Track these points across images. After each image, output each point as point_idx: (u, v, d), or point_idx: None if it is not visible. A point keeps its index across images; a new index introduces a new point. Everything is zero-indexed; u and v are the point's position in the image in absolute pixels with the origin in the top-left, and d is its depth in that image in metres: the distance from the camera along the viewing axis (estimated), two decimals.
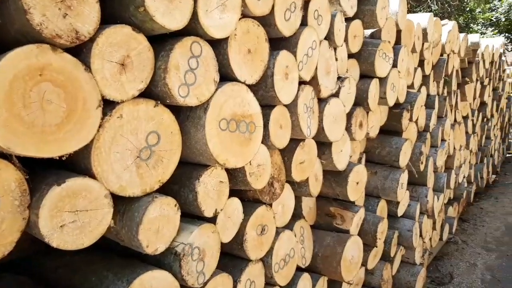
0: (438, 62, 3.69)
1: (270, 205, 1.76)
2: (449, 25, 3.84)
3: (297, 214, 2.16)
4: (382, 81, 2.50)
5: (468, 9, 10.57)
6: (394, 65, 2.60)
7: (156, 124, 1.20)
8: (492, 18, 12.85)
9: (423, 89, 3.46)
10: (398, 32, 2.72)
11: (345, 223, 2.28)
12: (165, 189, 1.30)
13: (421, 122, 3.31)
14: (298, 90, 1.74)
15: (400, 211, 2.96)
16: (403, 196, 2.82)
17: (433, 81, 3.68)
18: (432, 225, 3.58)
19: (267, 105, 1.62)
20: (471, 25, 12.35)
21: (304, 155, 1.92)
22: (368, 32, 2.58)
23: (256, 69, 1.46)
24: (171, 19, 1.15)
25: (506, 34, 13.05)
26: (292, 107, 1.73)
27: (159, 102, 1.20)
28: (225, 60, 1.36)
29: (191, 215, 1.41)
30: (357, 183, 2.34)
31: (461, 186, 4.66)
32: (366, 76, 2.44)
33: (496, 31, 12.75)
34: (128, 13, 1.15)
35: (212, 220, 1.43)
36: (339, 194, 2.31)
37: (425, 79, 3.50)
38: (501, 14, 12.81)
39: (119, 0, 1.15)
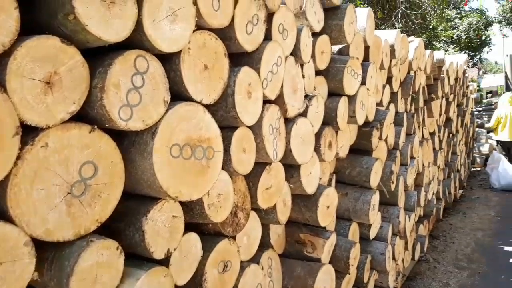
0: (405, 79, 3.67)
1: (234, 237, 1.58)
2: (416, 42, 3.84)
3: (264, 243, 2.00)
4: (351, 99, 2.40)
5: (431, 27, 10.95)
6: (363, 82, 2.51)
7: (92, 152, 1.01)
8: (454, 36, 13.37)
9: (392, 106, 3.41)
10: (366, 48, 2.65)
11: (316, 250, 2.13)
12: (107, 229, 1.11)
13: (391, 140, 3.25)
14: (263, 110, 1.59)
15: (373, 234, 2.84)
16: (375, 218, 2.70)
17: (401, 98, 3.64)
18: (404, 245, 3.49)
19: (228, 127, 1.46)
20: (434, 42, 12.78)
21: (271, 180, 1.76)
22: (336, 48, 2.48)
23: (215, 87, 1.30)
24: (109, 29, 0.97)
25: (467, 51, 13.58)
26: (256, 129, 1.58)
27: (95, 126, 1.01)
28: (178, 77, 1.19)
29: (141, 257, 1.22)
30: (328, 207, 2.20)
31: (430, 203, 4.63)
32: (334, 94, 2.33)
33: (457, 48, 13.25)
34: (56, 22, 0.97)
35: (165, 261, 1.24)
36: (309, 219, 2.16)
37: (393, 96, 3.45)
38: (461, 32, 13.35)
39: (47, 6, 0.97)
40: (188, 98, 1.22)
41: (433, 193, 4.89)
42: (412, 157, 3.83)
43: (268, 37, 1.63)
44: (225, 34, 1.39)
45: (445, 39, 14.24)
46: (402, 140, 3.48)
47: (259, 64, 1.52)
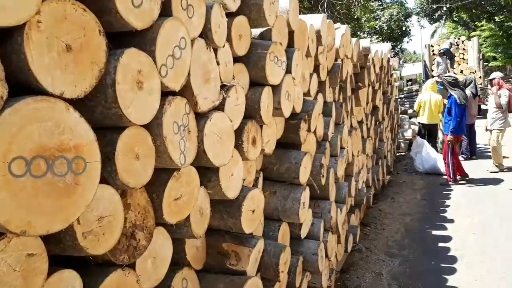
0: (333, 68, 3.53)
1: (132, 264, 1.26)
2: (342, 29, 3.72)
3: (179, 260, 1.70)
4: (276, 89, 2.16)
5: (355, 17, 11.23)
6: (288, 70, 2.28)
7: None
8: (376, 27, 13.87)
9: (320, 96, 3.25)
10: (291, 33, 2.42)
11: (240, 262, 1.88)
12: None
13: (320, 132, 3.09)
14: (163, 104, 1.28)
15: (304, 233, 2.66)
16: (305, 216, 2.52)
17: (329, 87, 3.50)
18: (337, 239, 3.38)
19: (114, 128, 1.14)
20: (358, 33, 13.16)
21: (180, 189, 1.46)
22: (257, 32, 2.22)
23: (85, 75, 0.97)
24: None
25: (389, 42, 14.18)
26: (155, 128, 1.27)
27: None
28: (22, 61, 0.84)
29: None
30: (253, 211, 1.95)
31: (361, 192, 4.62)
32: (257, 83, 2.08)
33: (380, 38, 13.79)
34: None
35: None
36: (232, 226, 1.90)
37: (321, 86, 3.30)
38: (383, 23, 13.90)
39: None
40: (42, 91, 0.88)
41: (363, 182, 4.90)
42: (342, 148, 3.74)
43: (167, 13, 1.32)
44: (102, 5, 1.05)
45: (368, 29, 14.75)
46: (331, 131, 3.35)
47: (154, 45, 1.21)
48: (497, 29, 21.20)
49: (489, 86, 8.62)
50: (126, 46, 1.14)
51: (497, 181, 6.65)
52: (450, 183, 6.74)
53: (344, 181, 3.80)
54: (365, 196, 4.78)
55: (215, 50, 1.67)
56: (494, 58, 23.90)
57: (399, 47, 22.45)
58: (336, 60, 3.64)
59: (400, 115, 10.55)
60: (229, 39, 1.83)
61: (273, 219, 2.46)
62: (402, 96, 15.28)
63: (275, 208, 2.43)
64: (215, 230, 1.96)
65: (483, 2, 19.79)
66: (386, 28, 15.30)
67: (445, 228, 4.89)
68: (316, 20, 2.84)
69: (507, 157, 8.01)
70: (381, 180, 6.35)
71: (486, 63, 21.86)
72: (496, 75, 7.57)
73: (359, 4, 10.92)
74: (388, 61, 6.84)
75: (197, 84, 1.47)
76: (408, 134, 10.17)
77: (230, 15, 1.83)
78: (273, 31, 2.16)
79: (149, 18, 1.19)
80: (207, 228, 1.75)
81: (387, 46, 6.62)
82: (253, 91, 2.03)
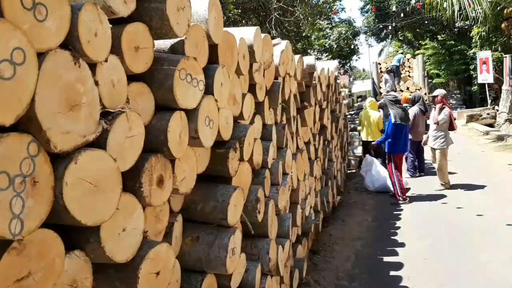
0: (272, 87, 3.20)
1: None
2: (282, 45, 3.41)
3: None
4: (191, 114, 1.75)
5: (304, 34, 11.19)
6: (209, 91, 1.89)
7: None
8: (326, 45, 13.99)
9: (257, 118, 2.89)
10: (213, 47, 2.04)
11: None
12: None
13: (257, 159, 2.71)
14: None
15: (235, 282, 2.23)
16: (236, 265, 2.10)
17: (269, 108, 3.15)
18: (280, 280, 2.99)
19: None
20: (309, 50, 13.17)
21: (27, 265, 1.01)
22: (167, 44, 1.82)
23: None
24: None
25: (338, 59, 14.34)
26: None
27: None
28: None
29: None
30: (158, 273, 1.51)
31: (308, 219, 4.29)
32: (166, 108, 1.66)
33: (330, 56, 13.90)
34: None
35: None
36: None
37: (258, 107, 2.94)
38: (332, 41, 14.05)
39: None
40: None
41: (310, 207, 4.58)
42: (285, 174, 3.38)
43: None
44: None
45: (318, 47, 14.86)
46: (271, 156, 2.99)
47: None
48: (440, 47, 22.26)
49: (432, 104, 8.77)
50: None
51: (445, 200, 6.59)
52: (400, 201, 6.61)
53: (288, 210, 3.44)
54: (313, 224, 4.45)
55: (92, 66, 1.24)
56: (438, 75, 25.07)
57: (348, 65, 22.98)
58: (276, 78, 3.31)
59: (350, 132, 10.52)
60: (118, 51, 1.41)
61: (195, 272, 2.02)
62: (352, 112, 15.45)
63: (197, 258, 2.00)
64: None
65: (426, 22, 20.73)
66: (335, 46, 15.52)
67: (396, 254, 4.65)
68: (247, 34, 2.48)
69: (456, 173, 8.09)
70: (331, 202, 6.09)
71: (430, 80, 22.86)
72: (439, 92, 7.59)
73: (308, 23, 10.86)
74: (336, 78, 6.68)
75: (49, 114, 1.03)
76: (358, 151, 10.12)
77: (122, 22, 1.42)
78: (186, 44, 1.76)
79: None
80: None
81: (334, 63, 6.46)
82: (159, 118, 1.61)
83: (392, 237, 5.22)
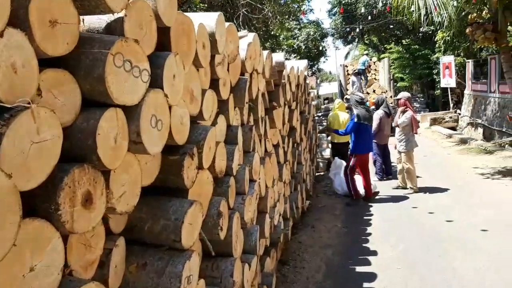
0: (238, 83, 2.85)
1: None
2: (249, 37, 3.06)
3: None
4: (132, 112, 1.38)
5: (272, 33, 10.93)
6: (157, 84, 1.52)
7: None
8: (294, 46, 13.81)
9: (221, 119, 2.54)
10: (164, 31, 1.67)
11: None
12: None
13: (220, 166, 2.35)
14: None
15: None
16: None
17: (234, 107, 2.81)
18: None
19: None
20: (277, 50, 12.94)
21: None
22: (103, 22, 1.43)
23: None
24: None
25: (306, 61, 14.22)
26: None
27: None
28: None
29: None
30: None
31: (277, 228, 3.97)
32: (98, 103, 1.28)
33: (298, 57, 13.74)
34: None
35: None
36: None
37: (222, 106, 2.59)
38: (301, 42, 13.89)
39: None
40: None
41: (279, 215, 4.27)
42: (252, 181, 3.05)
43: None
44: None
45: (287, 48, 14.67)
46: (237, 162, 2.64)
47: None
48: (404, 51, 22.69)
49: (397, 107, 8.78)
50: None
51: (414, 203, 6.47)
52: (357, 200, 6.68)
53: (256, 221, 3.10)
54: (282, 234, 4.13)
55: None
56: (402, 79, 25.58)
57: (316, 66, 22.99)
58: (242, 74, 2.97)
59: (318, 134, 10.34)
60: (25, 25, 1.02)
61: None
62: (319, 114, 15.36)
63: None
64: None
65: (391, 26, 21.05)
66: (303, 47, 15.38)
67: (368, 263, 4.41)
68: (208, 20, 2.12)
69: (421, 177, 8.05)
70: (300, 207, 5.81)
71: (395, 83, 23.26)
72: (403, 95, 7.57)
73: (277, 21, 10.60)
74: (305, 78, 6.42)
75: None
76: (327, 153, 9.95)
77: None
78: (126, 23, 1.38)
79: None
80: None
81: (303, 62, 6.20)
82: (86, 117, 1.23)
83: (364, 244, 5.00)
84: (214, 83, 2.41)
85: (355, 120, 6.61)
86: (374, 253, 4.69)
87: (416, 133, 7.17)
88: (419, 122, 12.14)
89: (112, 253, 1.52)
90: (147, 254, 1.70)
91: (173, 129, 1.67)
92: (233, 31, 2.54)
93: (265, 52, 3.64)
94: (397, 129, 7.21)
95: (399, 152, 7.25)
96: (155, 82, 1.50)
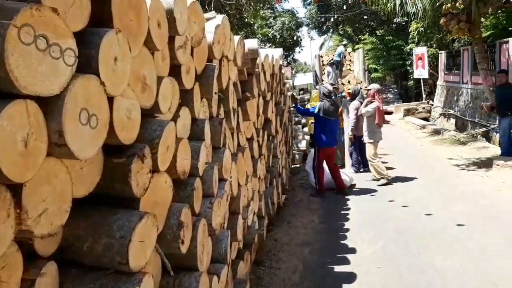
0: (205, 71, 2.52)
1: None
2: (218, 19, 2.73)
3: None
4: (52, 104, 1.04)
5: (246, 21, 10.55)
6: (91, 68, 1.18)
7: None
8: (269, 35, 13.48)
9: (185, 111, 2.21)
10: (105, 2, 1.32)
11: None
12: None
13: (184, 166, 2.02)
14: None
15: None
16: None
17: (201, 98, 2.48)
18: None
19: None
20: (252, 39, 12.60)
21: None
22: None
23: None
24: None
25: (282, 49, 13.94)
26: None
27: None
28: None
29: None
30: None
31: (251, 229, 3.69)
32: (8, 95, 0.94)
33: (273, 47, 13.42)
34: None
35: None
36: None
37: (186, 97, 2.26)
38: (276, 31, 13.57)
39: None
40: None
41: (254, 214, 3.98)
42: (223, 180, 2.74)
43: None
44: None
45: (262, 37, 14.31)
46: (203, 160, 2.32)
47: None
48: (378, 42, 22.71)
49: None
50: None
51: (391, 197, 6.33)
52: (314, 194, 6.60)
53: (227, 224, 2.80)
54: (257, 234, 3.85)
55: None
56: (375, 70, 25.68)
57: (291, 56, 22.74)
58: (210, 61, 2.64)
59: (294, 126, 10.10)
60: None
61: None
62: (295, 105, 15.14)
63: None
64: None
65: (365, 17, 20.98)
66: (278, 36, 15.06)
67: (347, 262, 4.20)
68: None
69: (396, 168, 7.96)
70: (276, 203, 5.55)
71: (369, 74, 23.31)
72: (372, 86, 7.59)
73: (251, 9, 10.23)
74: (280, 68, 6.12)
75: None
76: (303, 145, 9.73)
77: None
78: None
79: None
80: None
81: (278, 51, 5.89)
82: None
83: (342, 241, 4.79)
84: (175, 70, 2.07)
85: (315, 111, 6.47)
86: (353, 250, 4.49)
87: (380, 126, 7.07)
88: (390, 113, 12.10)
89: (36, 284, 1.19)
90: (87, 279, 1.37)
91: (116, 125, 1.34)
92: (197, 9, 2.20)
93: (237, 38, 3.32)
94: (364, 120, 7.13)
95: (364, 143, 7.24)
96: (88, 66, 1.16)
